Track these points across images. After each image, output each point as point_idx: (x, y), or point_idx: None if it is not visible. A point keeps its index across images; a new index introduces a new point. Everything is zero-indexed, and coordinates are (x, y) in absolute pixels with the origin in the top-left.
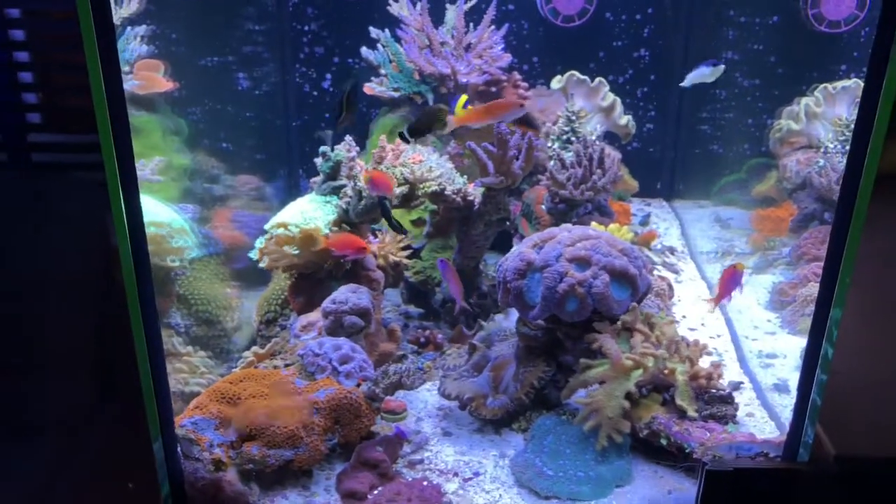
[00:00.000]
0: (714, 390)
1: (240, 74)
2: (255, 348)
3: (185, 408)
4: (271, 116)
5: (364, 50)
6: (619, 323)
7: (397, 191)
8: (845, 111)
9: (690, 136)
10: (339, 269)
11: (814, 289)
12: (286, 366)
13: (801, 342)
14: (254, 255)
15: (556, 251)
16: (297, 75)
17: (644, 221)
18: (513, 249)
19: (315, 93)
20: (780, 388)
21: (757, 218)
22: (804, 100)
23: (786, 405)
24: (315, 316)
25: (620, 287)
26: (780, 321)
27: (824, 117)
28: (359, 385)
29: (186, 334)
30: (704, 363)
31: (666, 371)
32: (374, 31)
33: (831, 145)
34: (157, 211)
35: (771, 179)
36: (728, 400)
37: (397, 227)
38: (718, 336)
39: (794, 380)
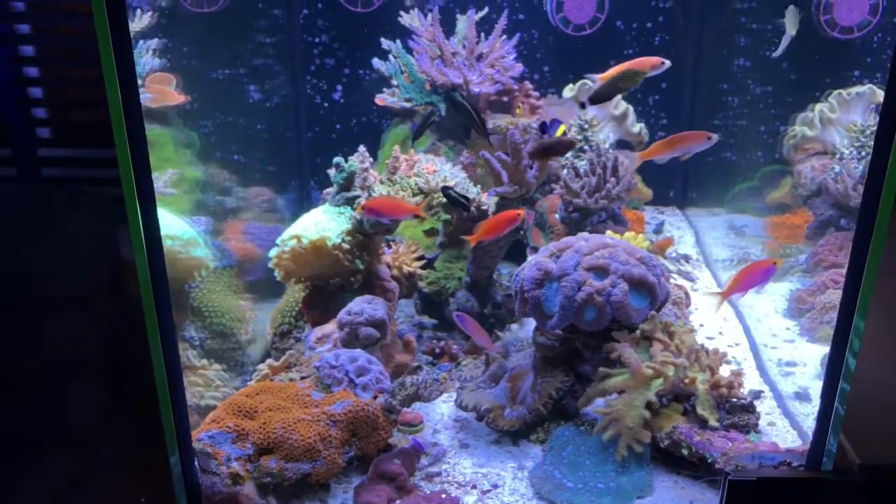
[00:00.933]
0: (735, 399)
1: (251, 87)
2: (269, 361)
3: (200, 421)
4: (283, 128)
5: (376, 61)
6: (637, 332)
7: (413, 200)
8: (860, 117)
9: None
10: (353, 280)
11: (833, 296)
12: (302, 378)
13: (821, 350)
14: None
15: (574, 260)
16: (308, 87)
17: (658, 230)
18: (529, 259)
19: (326, 104)
20: (801, 396)
21: (772, 225)
22: (818, 106)
23: (807, 413)
24: (330, 328)
25: (639, 296)
26: (799, 329)
27: (839, 123)
28: (375, 397)
29: (201, 347)
30: (724, 372)
31: (686, 380)
32: (385, 43)
33: (847, 151)
34: (171, 223)
35: (786, 186)
36: (749, 409)
37: (461, 203)
38: (737, 345)
39: (814, 388)
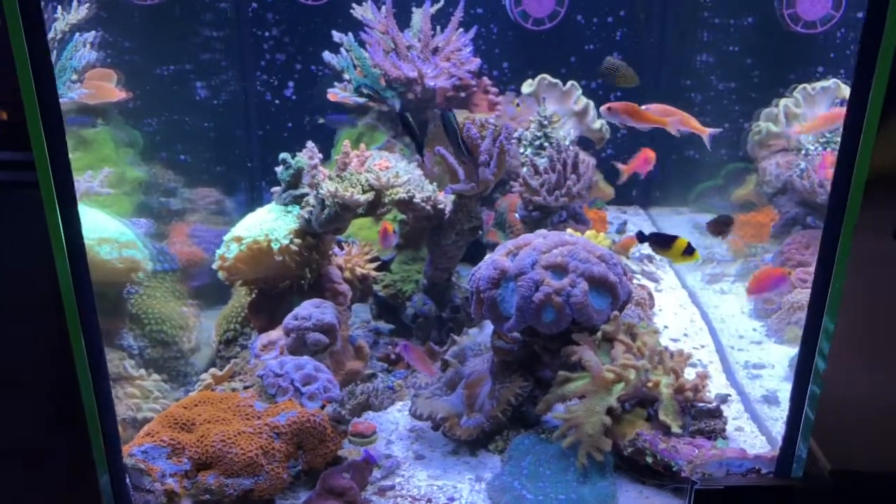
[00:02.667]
0: (701, 403)
1: (198, 83)
2: (213, 370)
3: (136, 436)
4: (231, 127)
5: (326, 54)
6: (598, 334)
7: (362, 198)
8: (824, 111)
9: (666, 141)
10: (302, 284)
11: (800, 296)
12: (245, 388)
13: (789, 351)
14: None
15: (531, 258)
16: (257, 83)
17: (621, 230)
18: (486, 257)
19: (277, 101)
20: (770, 399)
21: (737, 223)
22: (783, 101)
23: (776, 418)
24: (276, 334)
25: (600, 295)
26: (766, 330)
27: (804, 119)
28: (323, 407)
29: (140, 356)
30: (690, 375)
31: (650, 384)
32: (337, 36)
33: (812, 147)
34: (106, 225)
35: (750, 184)
36: (716, 414)
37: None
38: (703, 346)
39: (783, 391)
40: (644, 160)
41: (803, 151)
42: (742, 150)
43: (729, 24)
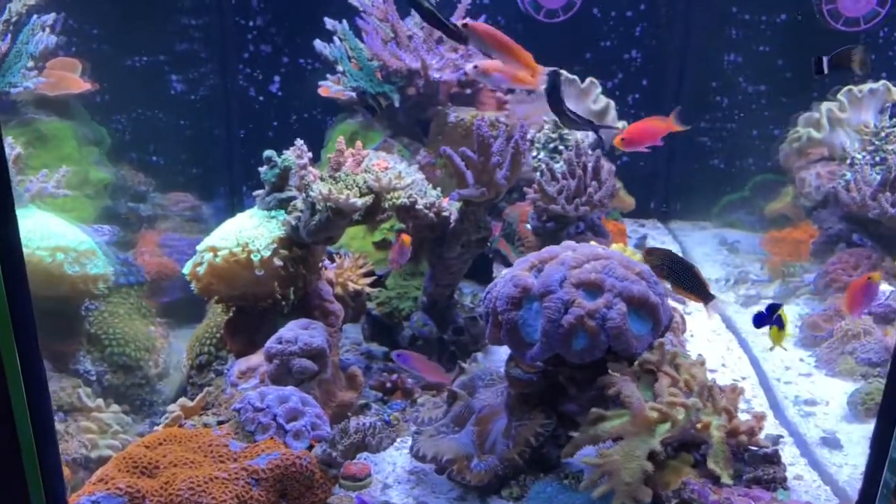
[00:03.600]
0: (756, 448)
1: (173, 77)
2: (182, 400)
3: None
4: (210, 125)
5: (318, 43)
6: (636, 364)
7: (359, 202)
8: (872, 117)
9: (688, 149)
10: (286, 302)
11: (853, 323)
12: (219, 423)
13: (844, 386)
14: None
15: (560, 274)
16: (240, 77)
17: (640, 244)
18: (504, 272)
19: (262, 98)
20: (830, 442)
21: (771, 240)
22: (825, 104)
23: (840, 464)
24: (257, 359)
25: (640, 319)
26: (816, 360)
27: (848, 124)
28: (311, 447)
29: (98, 383)
30: (741, 414)
31: (699, 425)
32: (329, 23)
33: (859, 156)
34: (62, 231)
35: (787, 196)
36: (774, 459)
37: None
38: (744, 378)
39: (843, 432)
40: (650, 132)
41: (849, 160)
42: (772, 160)
43: (759, 21)
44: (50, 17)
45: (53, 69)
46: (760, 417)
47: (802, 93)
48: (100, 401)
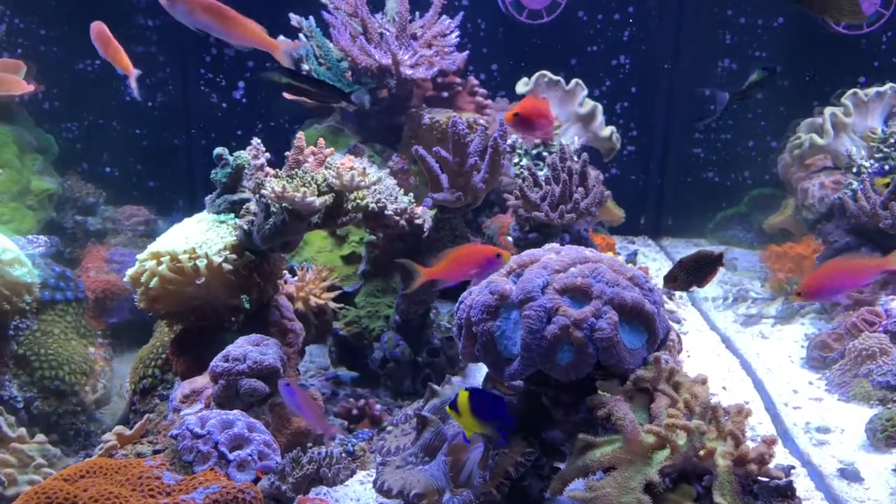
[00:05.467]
0: (767, 479)
1: (128, 82)
2: (119, 428)
3: None
4: (168, 134)
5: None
6: (629, 382)
7: (318, 201)
8: (879, 122)
9: (680, 161)
10: (236, 318)
11: (869, 341)
12: (154, 452)
13: (860, 411)
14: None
15: (542, 279)
16: (201, 83)
17: (631, 260)
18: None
19: (224, 104)
20: (848, 474)
21: (772, 256)
22: (829, 109)
23: (862, 499)
24: (203, 381)
25: (633, 330)
26: (827, 383)
27: (854, 130)
28: (257, 480)
29: (26, 411)
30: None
31: (702, 452)
32: (295, 19)
33: (866, 164)
34: None
35: (787, 209)
36: (787, 492)
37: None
38: (747, 403)
39: (862, 462)
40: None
41: (854, 169)
42: (770, 173)
43: (756, 25)
44: None
45: None
46: (771, 442)
47: (799, 102)
48: (22, 430)
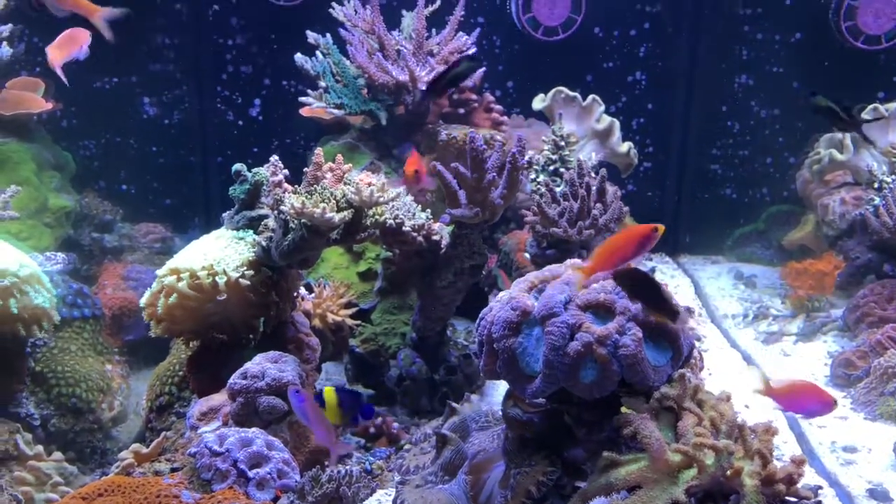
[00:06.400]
0: (796, 499)
1: (145, 99)
2: (136, 446)
3: None
4: (185, 151)
5: (299, 57)
6: (654, 399)
7: (337, 217)
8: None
9: (697, 177)
10: (253, 335)
11: (894, 359)
12: (172, 470)
13: (887, 430)
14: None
15: (564, 294)
16: (218, 100)
17: None
18: (500, 295)
19: (241, 122)
20: (878, 495)
21: (792, 272)
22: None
23: None
24: (220, 398)
25: (657, 347)
26: (852, 402)
27: (875, 145)
28: (276, 499)
29: (43, 428)
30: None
31: (729, 472)
32: (312, 36)
33: (888, 179)
34: None
35: (807, 225)
36: None
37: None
38: (771, 422)
39: (892, 482)
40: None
41: (876, 184)
42: (788, 189)
43: (773, 41)
44: (6, 28)
45: (13, 88)
46: (800, 462)
47: (819, 117)
48: (39, 448)
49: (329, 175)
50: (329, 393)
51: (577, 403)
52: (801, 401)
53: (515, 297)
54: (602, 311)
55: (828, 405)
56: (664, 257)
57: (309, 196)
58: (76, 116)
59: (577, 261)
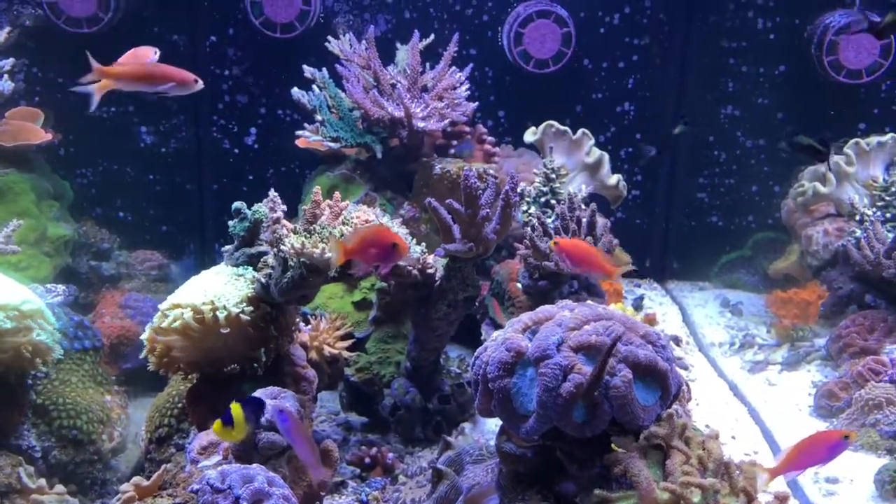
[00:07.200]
0: None
1: (142, 128)
2: (137, 479)
3: None
4: (181, 179)
5: (295, 91)
6: (642, 438)
7: (335, 257)
8: (881, 171)
9: (685, 205)
10: (254, 367)
11: (876, 391)
12: None
13: (869, 461)
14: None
15: (557, 336)
16: (214, 129)
17: (637, 305)
18: (494, 335)
19: (236, 150)
20: None
21: (777, 301)
22: (832, 158)
23: None
24: None
25: (647, 387)
26: None
27: (856, 179)
28: None
29: (44, 460)
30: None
31: None
32: (308, 70)
33: (869, 212)
34: (1, 288)
35: (792, 255)
36: None
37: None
38: (756, 453)
39: None
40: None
41: (857, 217)
42: (773, 217)
43: (758, 73)
44: (8, 63)
45: (13, 119)
46: (783, 498)
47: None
48: (42, 481)
49: (327, 211)
50: (236, 408)
51: (569, 440)
52: (813, 453)
53: (510, 337)
54: (594, 352)
55: (841, 442)
56: (653, 283)
57: (308, 236)
58: (73, 144)
59: (567, 302)
